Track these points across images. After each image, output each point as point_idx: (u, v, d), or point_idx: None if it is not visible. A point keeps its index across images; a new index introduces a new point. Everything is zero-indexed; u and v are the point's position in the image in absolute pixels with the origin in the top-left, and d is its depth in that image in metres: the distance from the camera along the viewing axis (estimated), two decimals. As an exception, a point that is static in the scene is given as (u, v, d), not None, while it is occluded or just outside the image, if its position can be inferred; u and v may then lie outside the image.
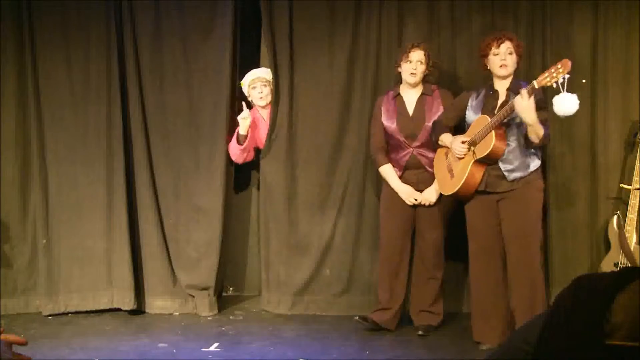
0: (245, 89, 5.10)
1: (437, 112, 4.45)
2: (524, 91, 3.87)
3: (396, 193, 4.50)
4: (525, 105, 3.86)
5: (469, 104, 4.26)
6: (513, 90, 4.06)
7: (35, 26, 5.03)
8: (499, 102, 4.13)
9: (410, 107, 4.48)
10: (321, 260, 5.04)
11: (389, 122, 4.48)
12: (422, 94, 4.49)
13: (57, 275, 5.08)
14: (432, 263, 4.55)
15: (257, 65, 5.21)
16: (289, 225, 5.03)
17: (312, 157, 5.01)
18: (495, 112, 4.07)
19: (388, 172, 4.53)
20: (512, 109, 3.93)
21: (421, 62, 4.40)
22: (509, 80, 4.15)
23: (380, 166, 4.57)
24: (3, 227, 5.12)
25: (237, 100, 5.05)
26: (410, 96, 4.50)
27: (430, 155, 4.45)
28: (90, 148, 5.07)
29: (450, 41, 4.90)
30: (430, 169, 4.46)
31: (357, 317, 4.59)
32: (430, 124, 4.42)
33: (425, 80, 4.50)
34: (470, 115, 4.24)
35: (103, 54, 5.03)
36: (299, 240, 5.04)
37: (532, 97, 3.87)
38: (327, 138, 4.99)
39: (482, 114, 4.15)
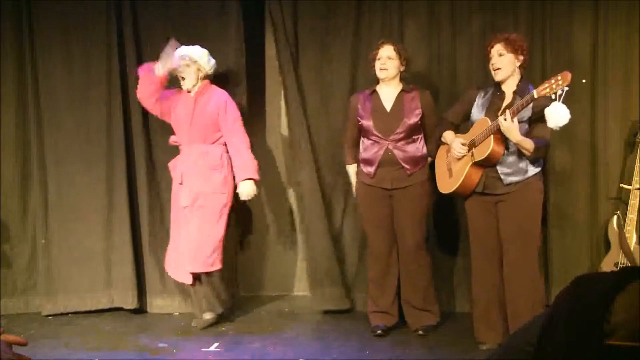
0: None
1: (415, 110, 4.41)
2: (507, 112, 3.87)
3: (371, 189, 4.48)
4: (507, 126, 3.87)
5: (476, 101, 4.24)
6: (519, 93, 4.02)
7: (35, 26, 5.03)
8: (504, 104, 4.09)
9: (388, 103, 4.45)
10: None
11: (364, 119, 4.44)
12: (402, 90, 4.47)
13: (56, 275, 5.08)
14: (416, 261, 4.49)
15: (259, 66, 5.20)
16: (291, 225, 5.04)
17: (315, 158, 5.01)
18: (499, 114, 4.04)
19: (351, 172, 4.65)
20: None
21: (390, 58, 4.38)
22: (516, 81, 4.12)
23: (346, 164, 4.68)
24: (3, 227, 5.12)
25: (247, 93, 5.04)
26: (387, 93, 4.47)
27: (408, 149, 4.41)
28: (90, 148, 5.07)
29: (450, 41, 4.91)
30: (406, 165, 4.41)
31: (379, 332, 4.50)
32: (410, 121, 4.39)
33: (402, 78, 4.47)
34: (475, 114, 4.21)
35: (103, 53, 5.03)
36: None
37: (516, 119, 3.86)
38: (330, 138, 4.99)
39: (485, 114, 4.14)
